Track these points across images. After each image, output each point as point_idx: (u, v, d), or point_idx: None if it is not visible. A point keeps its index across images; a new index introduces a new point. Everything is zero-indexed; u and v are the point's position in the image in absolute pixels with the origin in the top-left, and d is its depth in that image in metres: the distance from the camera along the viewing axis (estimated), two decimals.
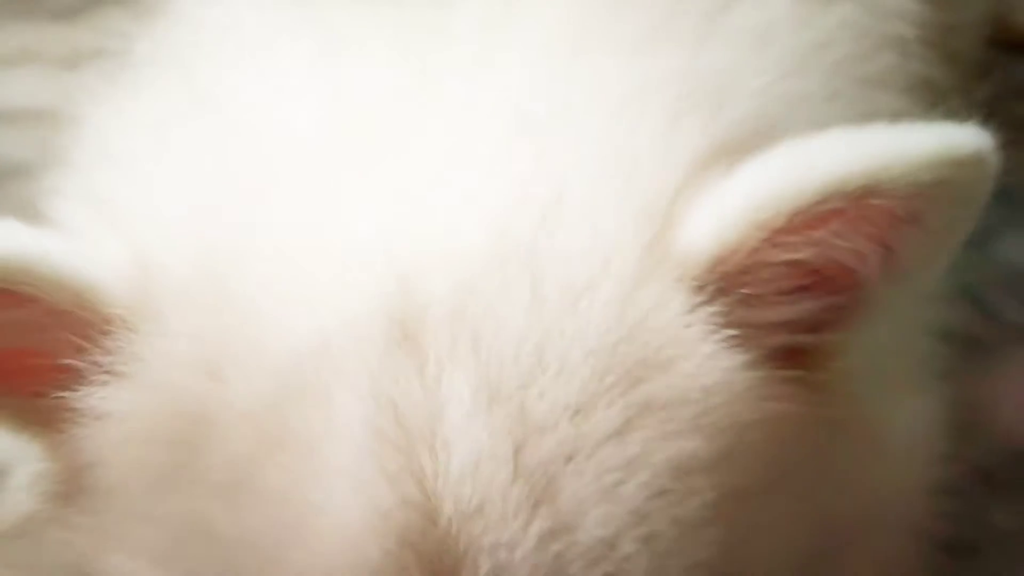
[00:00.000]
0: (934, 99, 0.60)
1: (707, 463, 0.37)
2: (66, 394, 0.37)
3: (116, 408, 0.37)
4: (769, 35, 0.48)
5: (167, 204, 0.40)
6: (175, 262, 0.38)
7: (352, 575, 0.34)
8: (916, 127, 0.37)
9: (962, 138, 0.36)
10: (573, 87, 0.42)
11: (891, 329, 0.43)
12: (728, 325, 0.37)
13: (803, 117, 0.44)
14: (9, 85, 1.30)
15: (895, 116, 0.46)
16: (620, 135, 0.40)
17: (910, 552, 0.54)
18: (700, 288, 0.37)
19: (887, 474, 0.45)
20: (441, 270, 0.37)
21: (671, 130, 0.41)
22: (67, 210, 0.43)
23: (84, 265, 0.36)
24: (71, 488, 0.39)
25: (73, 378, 0.37)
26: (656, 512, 0.36)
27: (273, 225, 0.39)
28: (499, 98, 0.41)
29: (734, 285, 0.37)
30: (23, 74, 1.33)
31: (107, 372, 0.37)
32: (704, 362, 0.37)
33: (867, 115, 0.46)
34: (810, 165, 0.36)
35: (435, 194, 0.39)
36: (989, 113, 0.40)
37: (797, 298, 0.38)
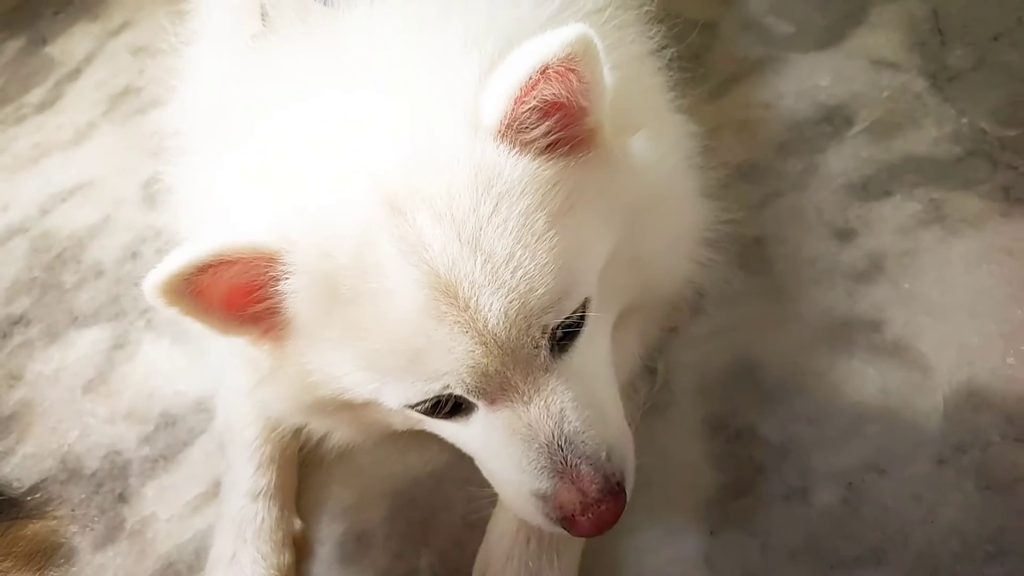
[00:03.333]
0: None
1: (538, 204, 0.70)
2: (271, 292, 0.71)
3: (293, 287, 0.70)
4: None
5: (272, 194, 0.72)
6: (289, 216, 0.70)
7: (417, 312, 0.67)
8: (560, 30, 0.66)
9: (578, 30, 0.66)
10: (419, 56, 0.74)
11: (618, 99, 0.74)
12: (517, 145, 0.70)
13: (531, 32, 0.72)
14: (46, 176, 1.52)
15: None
16: (444, 69, 0.72)
17: (707, 210, 0.89)
18: (497, 134, 0.70)
19: (644, 180, 0.78)
20: (396, 172, 0.68)
21: (468, 58, 0.72)
22: (220, 216, 0.76)
23: (255, 238, 0.68)
24: (280, 344, 0.75)
25: (270, 286, 0.70)
26: (525, 235, 0.69)
27: (316, 178, 0.71)
28: (381, 78, 0.73)
29: (511, 127, 0.69)
30: (49, 163, 1.54)
31: (284, 276, 0.70)
32: (515, 163, 0.70)
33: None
34: (522, 59, 0.67)
35: (375, 135, 0.71)
36: None
37: (545, 122, 0.70)
